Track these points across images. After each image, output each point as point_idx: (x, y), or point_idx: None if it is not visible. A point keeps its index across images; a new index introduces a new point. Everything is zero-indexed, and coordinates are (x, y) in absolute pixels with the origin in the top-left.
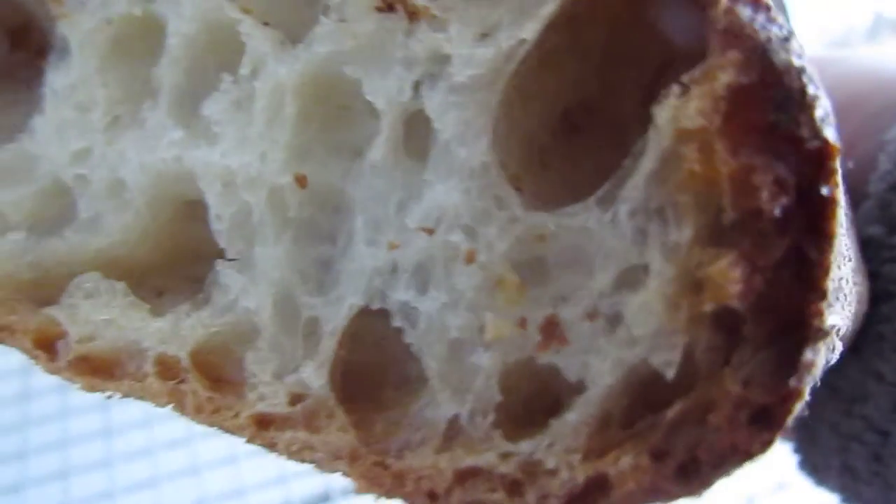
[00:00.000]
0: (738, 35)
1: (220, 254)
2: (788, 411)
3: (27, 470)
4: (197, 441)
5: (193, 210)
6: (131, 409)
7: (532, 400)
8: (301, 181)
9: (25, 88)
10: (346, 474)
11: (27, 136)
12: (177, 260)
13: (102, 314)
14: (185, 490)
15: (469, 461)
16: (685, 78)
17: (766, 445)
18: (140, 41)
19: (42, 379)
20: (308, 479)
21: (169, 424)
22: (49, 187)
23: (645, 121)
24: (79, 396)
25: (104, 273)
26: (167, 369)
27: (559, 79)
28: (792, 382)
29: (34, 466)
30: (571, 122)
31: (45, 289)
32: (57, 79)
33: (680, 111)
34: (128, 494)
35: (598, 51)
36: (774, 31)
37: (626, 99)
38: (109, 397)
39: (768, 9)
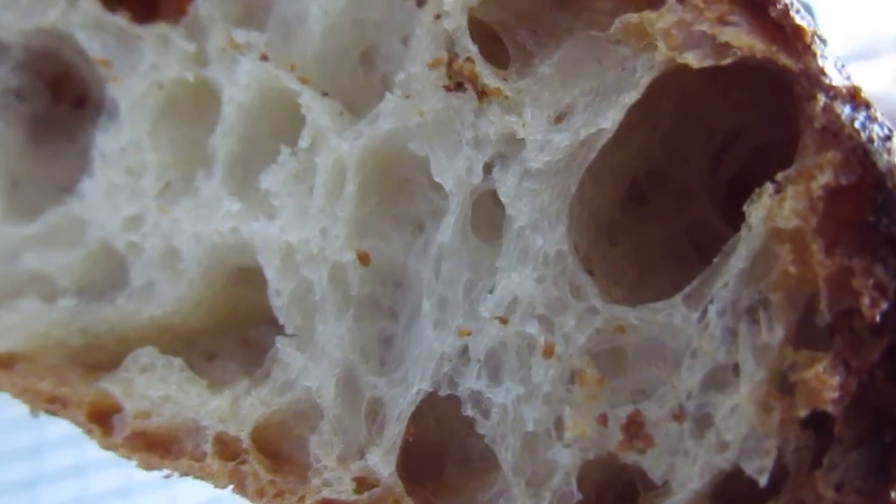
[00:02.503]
0: (837, 134)
1: (273, 318)
2: None
3: (42, 466)
4: None
5: (246, 274)
6: None
7: (608, 489)
8: (363, 258)
9: (66, 140)
10: None
11: (76, 200)
12: (229, 323)
13: (159, 390)
14: (199, 488)
15: None
16: (780, 176)
17: None
18: (193, 106)
19: None
20: None
21: None
22: (99, 253)
23: (712, 190)
24: None
25: (157, 342)
26: (227, 449)
27: (629, 152)
28: (893, 495)
29: (49, 462)
30: (639, 193)
31: (97, 356)
32: (106, 141)
33: (774, 211)
34: (144, 493)
35: (668, 120)
36: (875, 131)
37: (693, 166)
38: (168, 476)
39: (868, 107)
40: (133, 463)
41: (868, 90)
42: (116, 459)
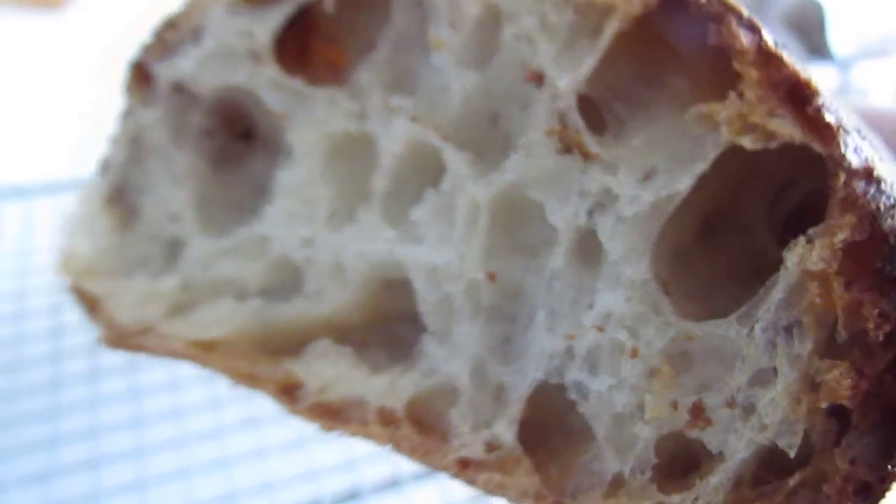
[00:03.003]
0: (853, 203)
1: (414, 318)
2: (887, 489)
3: (56, 459)
4: (227, 434)
5: (396, 284)
6: (162, 400)
7: (677, 457)
8: (492, 277)
9: (237, 167)
10: None
11: (259, 221)
12: (379, 321)
13: (333, 372)
14: (214, 483)
15: None
16: (811, 231)
17: None
18: (355, 152)
19: (72, 366)
20: (337, 475)
21: (199, 417)
22: (280, 264)
23: (770, 224)
24: (109, 385)
25: (328, 334)
26: (386, 417)
27: (702, 198)
28: (891, 467)
29: (63, 455)
30: (710, 226)
31: (279, 344)
32: (284, 176)
33: (805, 257)
34: (158, 486)
35: (735, 171)
36: (883, 201)
37: (755, 207)
38: (342, 434)
39: (879, 182)
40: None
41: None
42: (131, 453)
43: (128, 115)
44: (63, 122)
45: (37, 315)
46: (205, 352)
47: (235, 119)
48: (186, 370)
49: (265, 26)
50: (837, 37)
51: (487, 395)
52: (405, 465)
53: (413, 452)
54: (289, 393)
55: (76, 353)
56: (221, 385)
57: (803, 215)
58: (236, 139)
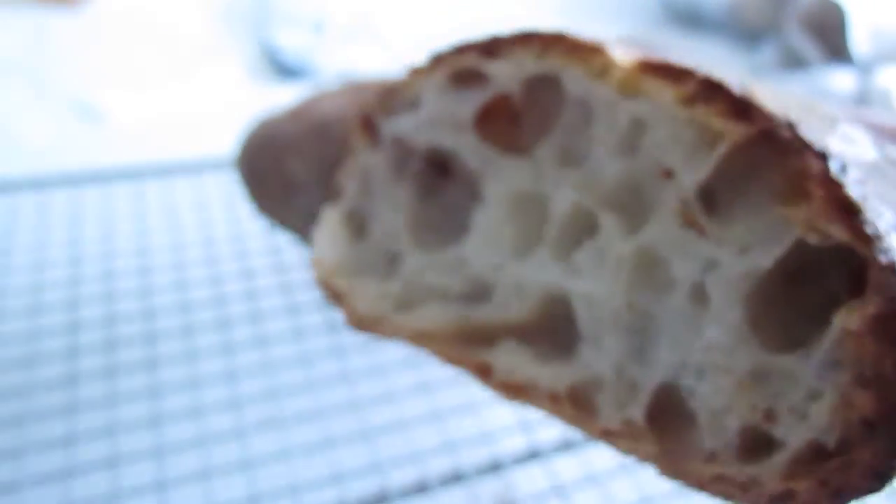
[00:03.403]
0: (882, 288)
1: (574, 327)
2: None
3: (75, 457)
4: (250, 435)
5: (557, 301)
6: (181, 399)
7: (753, 441)
8: (631, 305)
9: (439, 198)
10: (658, 471)
11: (460, 247)
12: (547, 326)
13: (515, 362)
14: (236, 486)
15: (721, 471)
16: (853, 303)
17: (881, 487)
18: (533, 206)
19: (89, 362)
20: (364, 478)
21: (220, 417)
22: (475, 279)
23: (844, 275)
24: (126, 382)
25: (512, 335)
26: (553, 396)
27: (785, 265)
28: None
29: (82, 454)
30: (790, 278)
31: (476, 336)
32: (479, 217)
33: (846, 320)
34: (178, 487)
35: (808, 251)
36: None
37: (822, 271)
38: (527, 408)
39: None
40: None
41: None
42: (151, 453)
43: (357, 154)
44: (66, 119)
45: (53, 310)
46: (421, 339)
47: (439, 161)
48: (204, 368)
49: (467, 105)
50: (858, 39)
51: (624, 388)
52: (431, 470)
53: (570, 421)
54: (483, 372)
55: (93, 349)
56: (242, 385)
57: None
58: (439, 176)
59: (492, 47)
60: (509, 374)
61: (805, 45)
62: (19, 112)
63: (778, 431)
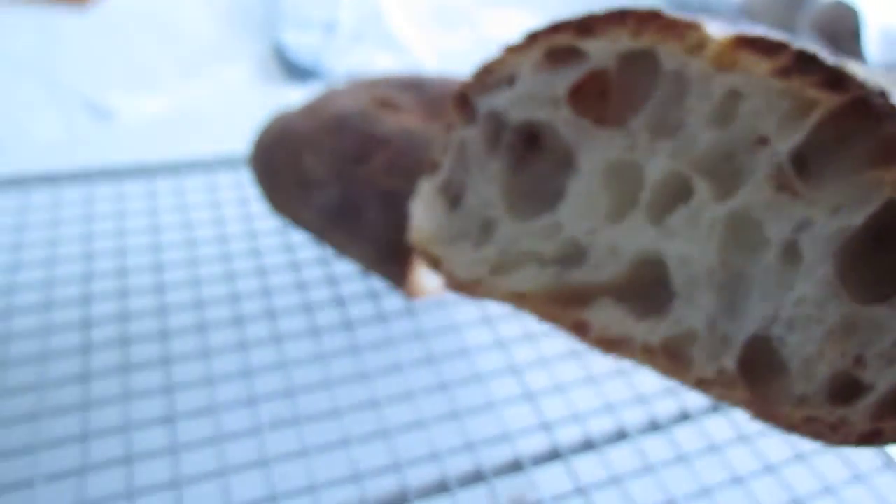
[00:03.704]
0: None
1: (668, 285)
2: None
3: (89, 456)
4: (265, 433)
5: (651, 261)
6: (196, 397)
7: (843, 385)
8: (724, 264)
9: (530, 169)
10: (750, 415)
11: (555, 213)
12: (641, 284)
13: (611, 319)
14: (253, 484)
15: (811, 413)
16: None
17: None
18: (627, 173)
19: (103, 359)
20: (383, 476)
21: (235, 414)
22: (570, 243)
23: None
24: (140, 379)
25: (607, 294)
26: (647, 350)
27: (873, 223)
28: None
29: (96, 452)
30: (878, 236)
31: (572, 296)
32: (574, 185)
33: None
34: (193, 485)
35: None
36: None
37: None
38: (617, 358)
39: None
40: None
41: None
42: (166, 451)
43: (453, 129)
44: (77, 117)
45: (66, 306)
46: (518, 300)
47: (531, 134)
48: (219, 366)
49: (563, 81)
50: (872, 43)
51: (717, 340)
52: (451, 469)
53: (664, 372)
54: (580, 329)
55: (107, 346)
56: (258, 383)
57: None
58: (530, 148)
59: (587, 26)
60: (605, 330)
61: (818, 48)
62: (31, 110)
63: (867, 376)
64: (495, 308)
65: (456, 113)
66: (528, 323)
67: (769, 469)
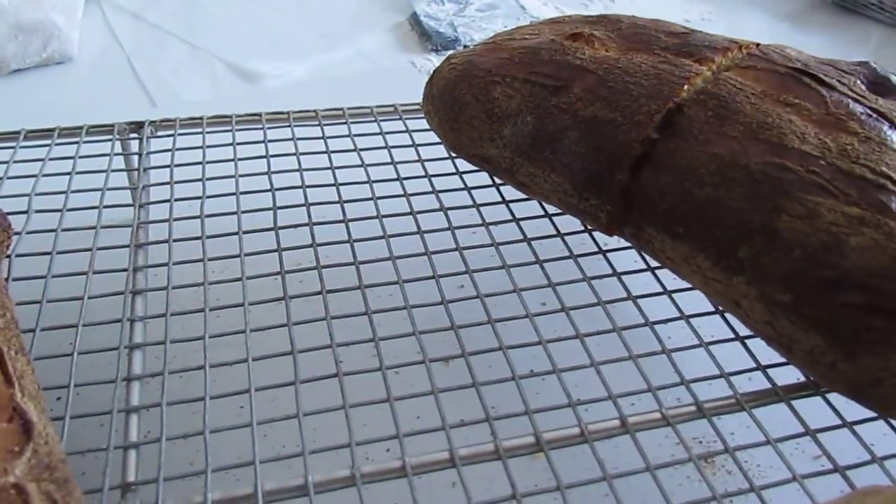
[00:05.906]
0: None
1: None
2: None
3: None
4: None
5: None
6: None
7: None
8: None
9: None
10: None
11: None
12: None
13: None
14: (465, 411)
15: None
16: None
17: None
18: None
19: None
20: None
21: (432, 339)
22: None
23: None
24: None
25: None
26: None
27: None
28: None
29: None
30: None
31: None
32: None
33: None
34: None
35: None
36: None
37: None
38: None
39: None
40: None
41: None
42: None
43: None
44: (223, 78)
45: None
46: None
47: None
48: (413, 294)
49: None
50: None
51: None
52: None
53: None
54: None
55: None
56: (455, 313)
57: None
58: None
59: None
60: None
61: None
62: (179, 73)
63: None
64: None
65: None
66: None
67: None
